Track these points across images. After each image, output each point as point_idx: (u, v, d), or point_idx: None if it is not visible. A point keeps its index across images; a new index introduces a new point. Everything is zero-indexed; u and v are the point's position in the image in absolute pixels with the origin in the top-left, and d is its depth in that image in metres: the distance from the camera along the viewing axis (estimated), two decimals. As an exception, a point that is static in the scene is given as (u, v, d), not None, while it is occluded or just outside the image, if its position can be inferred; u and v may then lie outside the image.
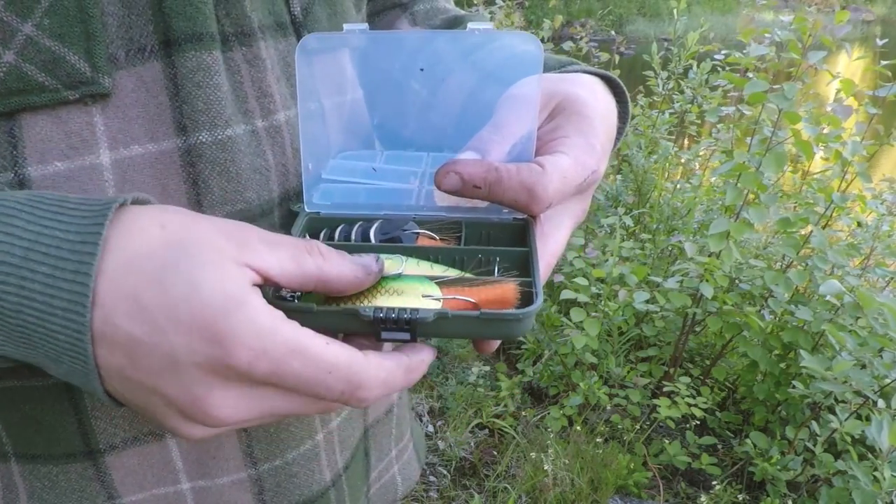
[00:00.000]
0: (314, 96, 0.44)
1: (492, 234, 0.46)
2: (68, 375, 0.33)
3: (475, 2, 3.34)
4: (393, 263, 0.40)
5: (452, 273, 0.41)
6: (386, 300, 0.38)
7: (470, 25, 0.42)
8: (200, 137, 0.40)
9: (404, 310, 0.35)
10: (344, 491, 0.54)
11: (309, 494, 0.51)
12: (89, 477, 0.44)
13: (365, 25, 0.42)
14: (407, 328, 0.35)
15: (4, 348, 0.32)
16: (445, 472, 2.03)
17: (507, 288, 0.39)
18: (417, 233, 0.45)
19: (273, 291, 0.37)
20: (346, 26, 0.41)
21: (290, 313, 0.35)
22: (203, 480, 0.47)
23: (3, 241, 0.30)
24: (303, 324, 0.33)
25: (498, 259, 0.43)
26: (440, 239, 0.45)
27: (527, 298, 0.39)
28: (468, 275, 0.41)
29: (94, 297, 0.30)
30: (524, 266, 0.42)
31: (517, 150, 0.43)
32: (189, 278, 0.30)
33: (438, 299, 0.38)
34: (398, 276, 0.39)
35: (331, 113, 0.47)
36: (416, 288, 0.39)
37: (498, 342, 0.41)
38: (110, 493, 0.44)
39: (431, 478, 2.01)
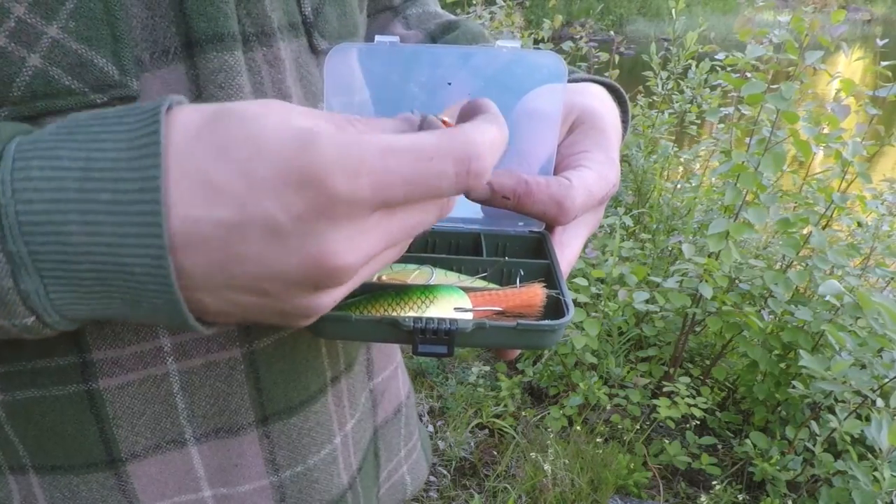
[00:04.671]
0: (337, 100, 0.44)
1: (508, 246, 0.48)
2: (151, 314, 0.30)
3: (474, 1, 3.34)
4: (423, 274, 0.42)
5: (479, 283, 0.42)
6: (418, 311, 0.38)
7: (499, 43, 0.44)
8: None
9: (443, 320, 0.35)
10: (359, 493, 0.54)
11: (329, 499, 0.51)
12: (111, 486, 0.43)
13: (396, 38, 0.42)
14: (445, 339, 0.35)
15: (77, 307, 0.30)
16: (445, 472, 2.03)
17: (533, 293, 0.40)
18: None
19: None
20: (377, 37, 0.42)
21: (327, 322, 0.35)
22: (225, 488, 0.46)
23: (52, 177, 0.27)
24: (340, 334, 0.32)
25: (521, 271, 0.44)
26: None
27: (553, 307, 0.40)
28: (494, 285, 0.42)
29: (166, 201, 0.27)
30: (545, 278, 0.43)
31: (541, 171, 0.45)
32: (248, 133, 0.28)
33: (469, 310, 0.39)
34: (430, 287, 0.40)
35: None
36: (448, 299, 0.39)
37: (519, 350, 0.42)
38: (131, 502, 0.44)
39: (431, 478, 2.01)
